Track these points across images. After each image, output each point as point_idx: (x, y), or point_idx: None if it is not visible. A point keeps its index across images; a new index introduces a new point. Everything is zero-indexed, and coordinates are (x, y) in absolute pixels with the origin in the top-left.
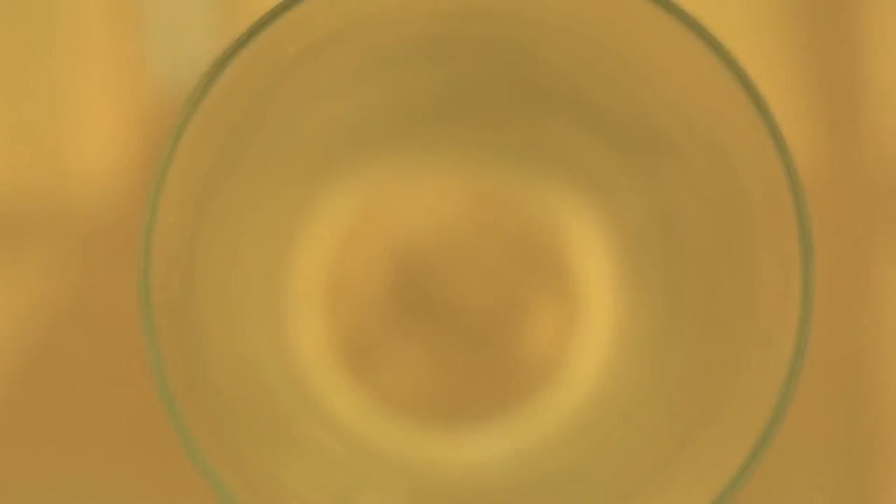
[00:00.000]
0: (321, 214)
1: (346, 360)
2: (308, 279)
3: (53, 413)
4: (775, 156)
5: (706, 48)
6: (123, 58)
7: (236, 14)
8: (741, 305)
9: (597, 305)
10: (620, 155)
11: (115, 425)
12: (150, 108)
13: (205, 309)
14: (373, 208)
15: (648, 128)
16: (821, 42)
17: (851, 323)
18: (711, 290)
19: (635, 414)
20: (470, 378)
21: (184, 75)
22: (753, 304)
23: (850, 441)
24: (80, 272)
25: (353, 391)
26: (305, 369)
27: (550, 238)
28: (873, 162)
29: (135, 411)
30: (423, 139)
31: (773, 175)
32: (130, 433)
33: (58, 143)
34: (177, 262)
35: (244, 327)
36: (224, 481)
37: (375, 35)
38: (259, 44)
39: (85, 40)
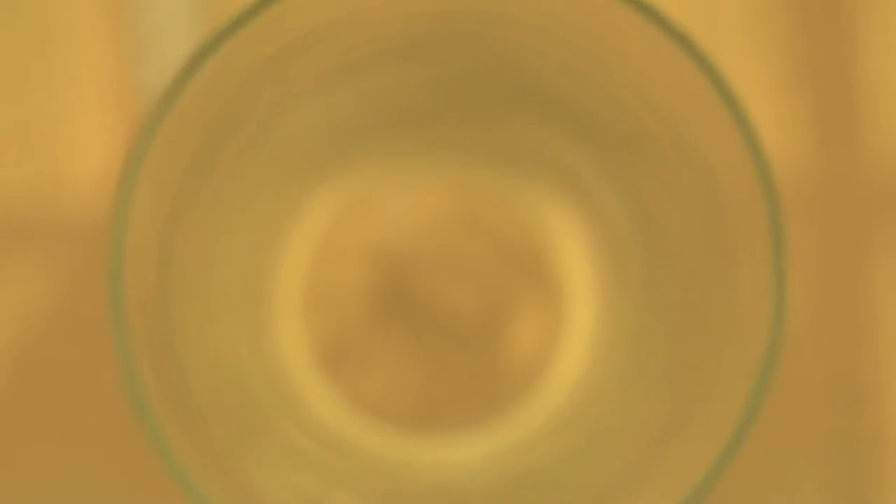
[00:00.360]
0: (301, 216)
1: (325, 362)
2: (288, 280)
3: (43, 415)
4: (748, 155)
5: (680, 49)
6: (115, 64)
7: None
8: (718, 305)
9: (579, 306)
10: (600, 156)
11: (107, 426)
12: (141, 113)
13: (182, 308)
14: (354, 210)
15: (628, 129)
16: (814, 43)
17: (845, 324)
18: (690, 290)
19: (616, 410)
20: (450, 380)
21: None
22: (730, 304)
23: (844, 439)
24: (71, 276)
25: (332, 393)
26: (284, 370)
27: (532, 239)
28: (867, 164)
29: (126, 412)
30: (404, 140)
31: (747, 175)
32: (124, 434)
33: (49, 149)
34: (151, 261)
35: (222, 327)
36: (194, 479)
37: (353, 35)
38: (235, 42)
39: (76, 46)
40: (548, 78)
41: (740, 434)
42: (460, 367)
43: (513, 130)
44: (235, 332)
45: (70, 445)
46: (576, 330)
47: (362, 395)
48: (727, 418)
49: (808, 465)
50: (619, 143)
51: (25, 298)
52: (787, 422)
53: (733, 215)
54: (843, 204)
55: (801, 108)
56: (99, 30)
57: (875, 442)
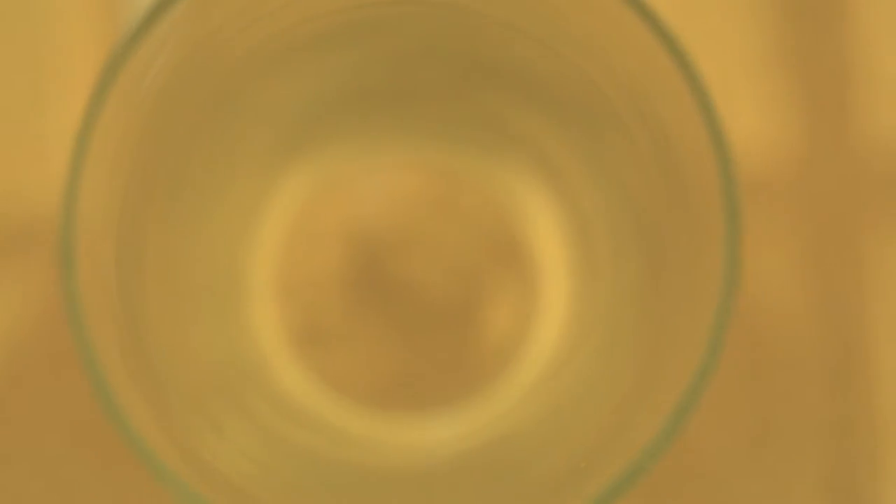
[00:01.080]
0: (272, 197)
1: (298, 343)
2: (261, 261)
3: (25, 425)
4: (706, 131)
5: (644, 24)
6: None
7: None
8: (681, 277)
9: (551, 283)
10: (569, 133)
11: (85, 431)
12: None
13: (147, 286)
14: (325, 191)
15: (596, 105)
16: (802, 27)
17: (836, 309)
18: (654, 263)
19: (585, 381)
20: (425, 361)
21: None
22: (692, 276)
23: (836, 425)
24: (50, 280)
25: (304, 373)
26: (256, 349)
27: (504, 218)
28: (856, 147)
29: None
30: (373, 119)
31: (706, 150)
32: (105, 433)
33: (49, 155)
34: (105, 233)
35: (191, 306)
36: (151, 446)
37: (313, 6)
38: (184, 8)
39: (74, 50)
40: (516, 53)
41: (695, 388)
42: (434, 348)
43: (482, 108)
44: (205, 312)
45: (51, 450)
46: (548, 308)
47: (335, 375)
48: (684, 378)
49: (799, 452)
50: (588, 120)
51: (7, 304)
52: (779, 408)
53: (695, 192)
54: (832, 188)
55: (789, 93)
56: (97, 36)
57: (868, 428)
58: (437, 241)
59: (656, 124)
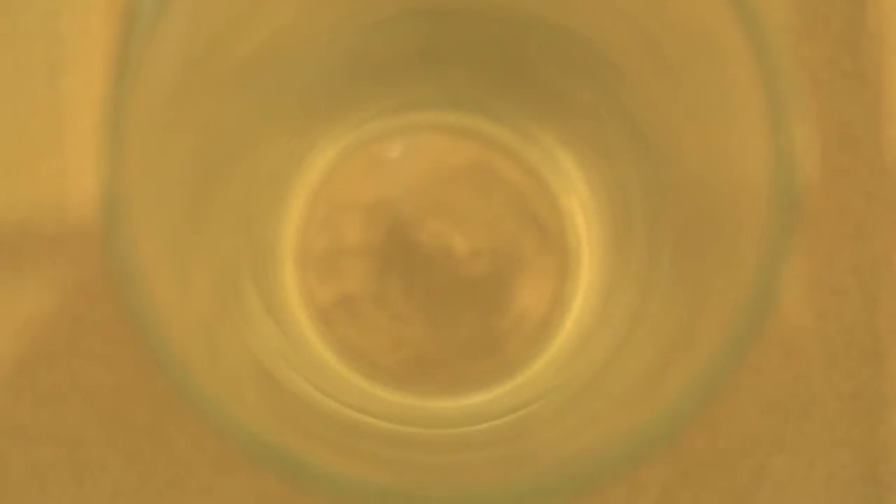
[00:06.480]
0: (300, 164)
1: (322, 319)
2: (287, 229)
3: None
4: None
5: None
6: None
7: None
8: (718, 264)
9: (585, 258)
10: (618, 106)
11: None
12: None
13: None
14: (354, 160)
15: (651, 83)
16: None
17: (865, 279)
18: (693, 247)
19: (613, 350)
20: (452, 336)
21: None
22: (728, 263)
23: (862, 398)
24: (75, 287)
25: (329, 350)
26: (286, 317)
27: (541, 189)
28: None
29: (126, 412)
30: (411, 85)
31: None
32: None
33: (56, 170)
34: (142, 209)
35: (212, 276)
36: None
37: None
38: None
39: (89, 59)
40: (571, 20)
41: (728, 356)
42: (463, 325)
43: (526, 77)
44: (228, 281)
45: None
46: (581, 282)
47: (359, 354)
48: (715, 350)
49: (824, 425)
50: (639, 98)
51: (29, 311)
52: (804, 380)
53: (742, 165)
54: (858, 197)
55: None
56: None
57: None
58: (469, 213)
59: (706, 94)
